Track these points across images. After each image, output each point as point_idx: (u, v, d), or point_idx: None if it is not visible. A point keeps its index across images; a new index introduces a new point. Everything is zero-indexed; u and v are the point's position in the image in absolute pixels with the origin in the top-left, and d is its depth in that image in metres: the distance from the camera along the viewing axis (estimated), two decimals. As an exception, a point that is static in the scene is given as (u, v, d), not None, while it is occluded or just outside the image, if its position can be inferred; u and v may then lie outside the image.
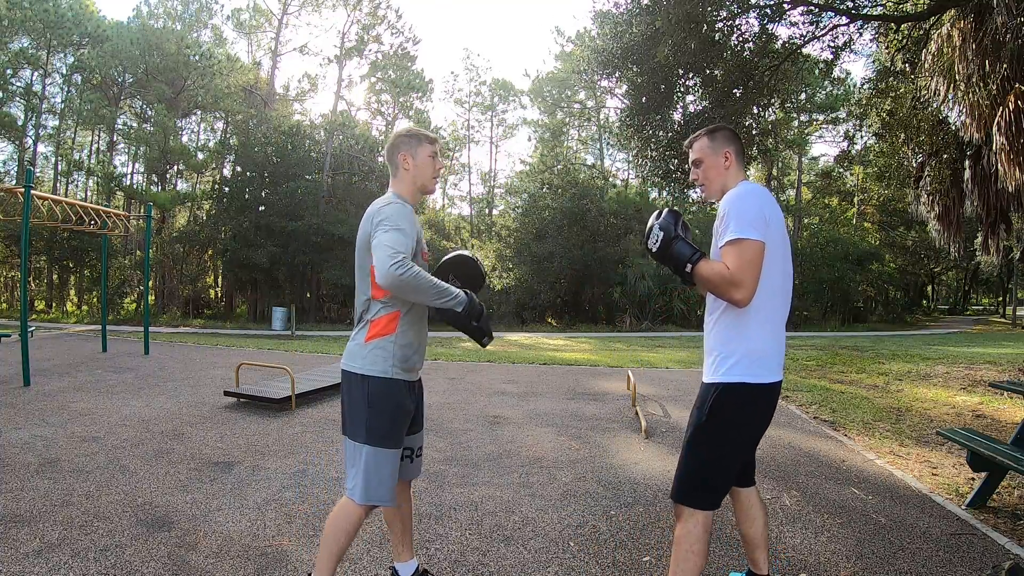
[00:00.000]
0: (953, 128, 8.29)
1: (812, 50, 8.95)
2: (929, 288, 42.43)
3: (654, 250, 1.84)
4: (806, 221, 29.78)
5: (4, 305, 24.13)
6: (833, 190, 31.48)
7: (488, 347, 13.01)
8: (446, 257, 2.14)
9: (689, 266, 1.76)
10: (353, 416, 1.82)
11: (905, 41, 8.27)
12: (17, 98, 23.74)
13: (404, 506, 2.05)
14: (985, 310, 45.24)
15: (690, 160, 1.97)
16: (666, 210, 1.89)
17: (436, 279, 1.75)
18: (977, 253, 15.78)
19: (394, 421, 1.81)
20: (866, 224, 32.07)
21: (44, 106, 24.54)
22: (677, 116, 9.44)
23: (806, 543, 2.54)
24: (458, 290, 1.80)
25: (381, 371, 1.79)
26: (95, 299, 23.46)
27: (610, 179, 29.11)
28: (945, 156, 8.43)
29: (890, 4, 8.50)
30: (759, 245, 1.67)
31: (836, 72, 14.58)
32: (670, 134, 9.12)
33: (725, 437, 1.77)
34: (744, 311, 1.73)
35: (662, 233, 1.82)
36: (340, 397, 1.92)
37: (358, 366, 1.81)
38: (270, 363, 6.41)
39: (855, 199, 31.35)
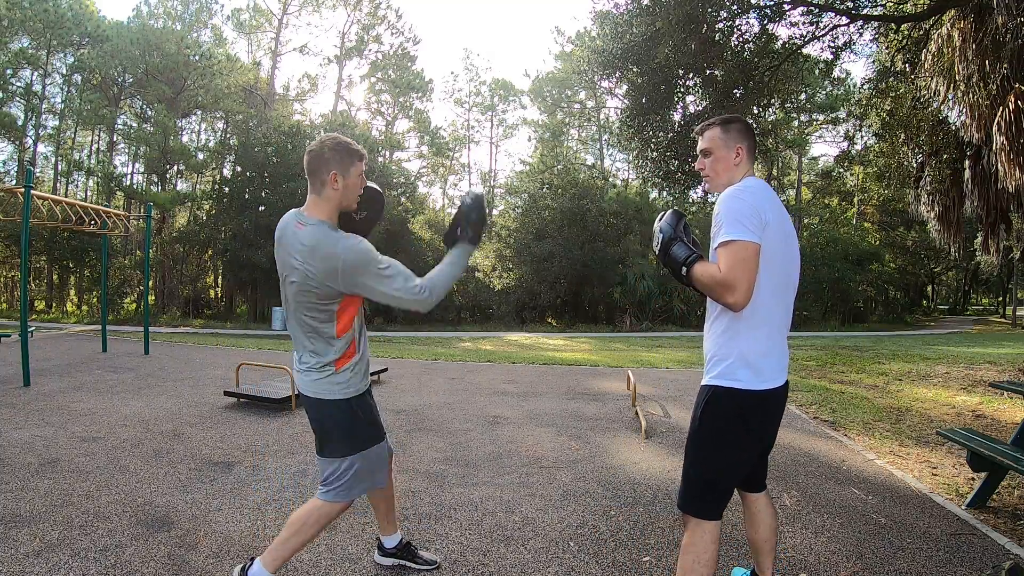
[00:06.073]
0: (953, 128, 8.29)
1: (812, 50, 8.95)
2: (929, 288, 42.46)
3: (657, 252, 1.83)
4: (806, 221, 29.79)
5: (4, 305, 24.12)
6: (833, 190, 31.52)
7: (487, 347, 12.93)
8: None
9: (684, 269, 1.71)
10: (331, 437, 2.00)
11: (905, 41, 8.26)
12: (17, 98, 23.75)
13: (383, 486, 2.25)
14: (985, 310, 45.25)
15: (698, 148, 1.86)
16: (669, 211, 1.85)
17: (444, 269, 1.89)
18: (977, 253, 15.79)
19: (368, 426, 2.01)
20: (866, 224, 32.11)
21: (44, 106, 24.56)
22: (677, 117, 9.43)
23: (806, 543, 2.54)
24: (455, 252, 1.92)
25: (354, 391, 1.99)
26: (95, 299, 23.46)
27: (610, 179, 29.13)
28: (945, 156, 8.42)
29: (890, 4, 8.50)
30: (752, 246, 1.58)
31: (836, 72, 14.60)
32: (670, 135, 9.11)
33: (719, 442, 1.71)
34: (738, 313, 1.67)
35: (662, 235, 1.80)
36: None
37: (330, 391, 1.98)
38: (270, 363, 6.41)
39: (855, 199, 31.38)
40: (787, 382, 1.81)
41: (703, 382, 1.78)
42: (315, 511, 1.91)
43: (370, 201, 2.01)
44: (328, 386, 1.86)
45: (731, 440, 1.71)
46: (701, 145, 1.85)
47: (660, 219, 1.85)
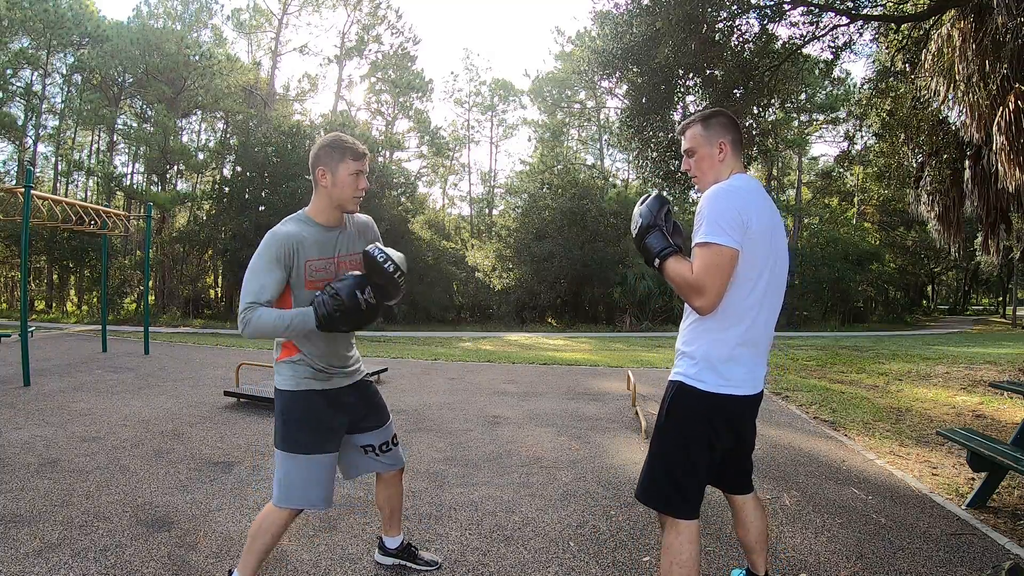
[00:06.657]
0: (953, 128, 8.29)
1: (812, 50, 8.95)
2: (929, 288, 42.45)
3: (633, 237, 1.76)
4: (806, 221, 29.78)
5: (4, 305, 24.11)
6: (833, 190, 31.49)
7: (488, 347, 12.93)
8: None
9: (657, 261, 1.66)
10: (276, 426, 1.93)
11: (905, 41, 8.26)
12: (17, 98, 23.72)
13: (390, 494, 2.19)
14: (985, 310, 45.24)
15: (682, 148, 1.79)
16: (653, 195, 1.76)
17: (275, 316, 1.73)
18: (977, 253, 15.78)
19: (302, 429, 1.87)
20: (866, 224, 32.10)
21: (44, 106, 24.53)
22: (677, 117, 9.44)
23: (806, 543, 2.54)
24: (299, 311, 1.76)
25: (292, 385, 1.90)
26: (95, 299, 23.44)
27: (610, 179, 29.13)
28: (945, 156, 8.42)
29: (890, 4, 8.50)
30: (727, 252, 1.53)
31: (836, 72, 14.57)
32: (670, 135, 9.11)
33: (681, 438, 1.68)
34: (713, 314, 1.62)
35: (641, 220, 1.72)
36: None
37: (277, 382, 1.95)
38: (270, 363, 6.41)
39: (855, 199, 31.36)
40: (761, 393, 1.75)
41: (670, 376, 1.75)
42: (267, 515, 1.90)
43: (385, 288, 1.80)
44: (276, 374, 1.94)
45: (695, 438, 1.67)
46: (684, 145, 1.79)
47: (642, 203, 1.76)
